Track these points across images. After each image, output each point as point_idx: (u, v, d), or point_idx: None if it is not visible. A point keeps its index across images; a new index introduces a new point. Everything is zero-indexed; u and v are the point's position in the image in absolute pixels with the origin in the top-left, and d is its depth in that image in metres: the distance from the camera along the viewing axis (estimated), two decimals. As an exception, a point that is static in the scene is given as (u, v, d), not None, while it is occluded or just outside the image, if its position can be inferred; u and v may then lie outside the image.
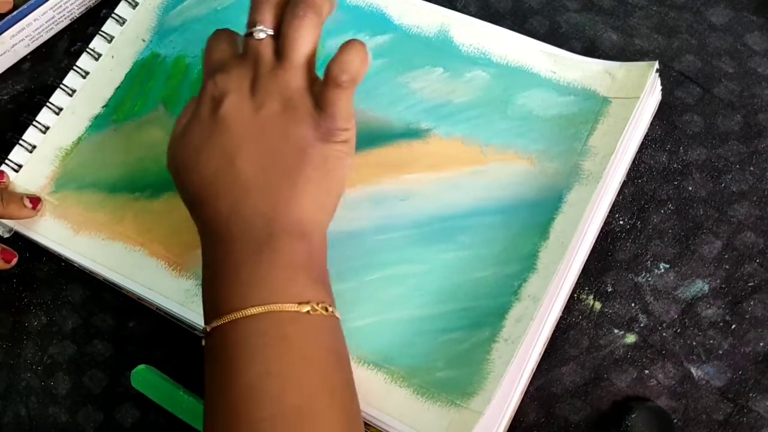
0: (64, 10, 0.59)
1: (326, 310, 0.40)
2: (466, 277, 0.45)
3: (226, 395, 0.38)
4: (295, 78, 0.43)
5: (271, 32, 0.44)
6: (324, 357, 0.40)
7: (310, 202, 0.42)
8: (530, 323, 0.42)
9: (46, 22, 0.58)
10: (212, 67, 0.45)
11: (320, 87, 0.42)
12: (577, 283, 0.47)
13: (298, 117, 0.42)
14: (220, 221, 0.42)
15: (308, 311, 0.39)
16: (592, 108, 0.48)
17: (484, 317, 0.44)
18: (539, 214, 0.46)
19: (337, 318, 0.41)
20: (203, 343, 0.41)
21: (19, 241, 0.53)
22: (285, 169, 0.42)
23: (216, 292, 0.41)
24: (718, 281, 0.47)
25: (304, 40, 0.43)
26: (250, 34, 0.44)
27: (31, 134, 0.55)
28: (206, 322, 0.41)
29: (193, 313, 0.47)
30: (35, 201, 0.52)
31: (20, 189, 0.54)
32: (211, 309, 0.41)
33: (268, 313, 0.39)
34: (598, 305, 0.47)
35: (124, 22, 0.57)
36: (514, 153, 0.48)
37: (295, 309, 0.39)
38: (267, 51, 0.43)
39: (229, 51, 0.45)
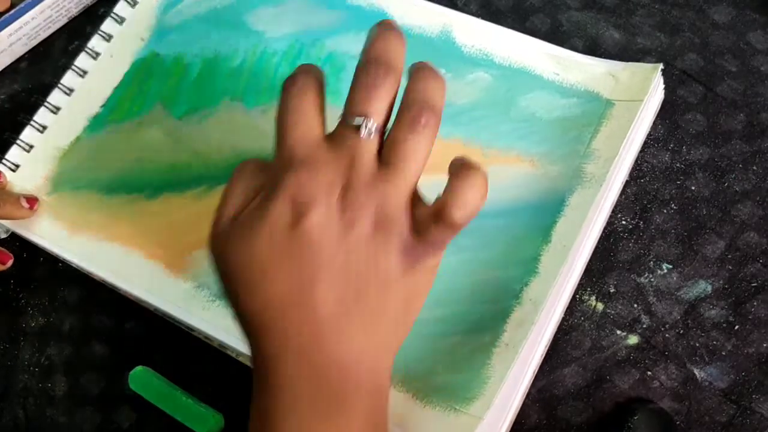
0: (61, 8, 0.58)
1: None
2: (466, 281, 0.45)
3: None
4: (398, 195, 0.34)
5: (378, 128, 0.35)
6: None
7: (387, 346, 0.35)
8: (531, 328, 0.42)
9: (43, 21, 0.58)
10: (294, 152, 0.35)
11: (425, 216, 0.34)
12: (579, 284, 0.47)
13: (391, 241, 0.34)
14: (284, 365, 0.34)
15: None
16: (595, 110, 0.47)
17: (485, 321, 0.44)
18: (541, 217, 0.45)
19: None
20: None
21: (17, 242, 0.53)
22: (366, 306, 0.34)
23: None
24: (721, 282, 0.47)
25: (420, 154, 0.35)
26: (351, 126, 0.35)
27: (28, 134, 0.55)
28: None
29: (191, 315, 0.47)
30: (32, 201, 0.52)
31: (17, 189, 0.54)
32: None
33: None
34: (600, 306, 0.47)
35: (122, 21, 0.57)
36: (517, 155, 0.48)
37: None
38: (370, 153, 0.35)
39: (317, 132, 0.36)
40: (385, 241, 0.34)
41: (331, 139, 0.36)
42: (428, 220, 0.34)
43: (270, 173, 0.35)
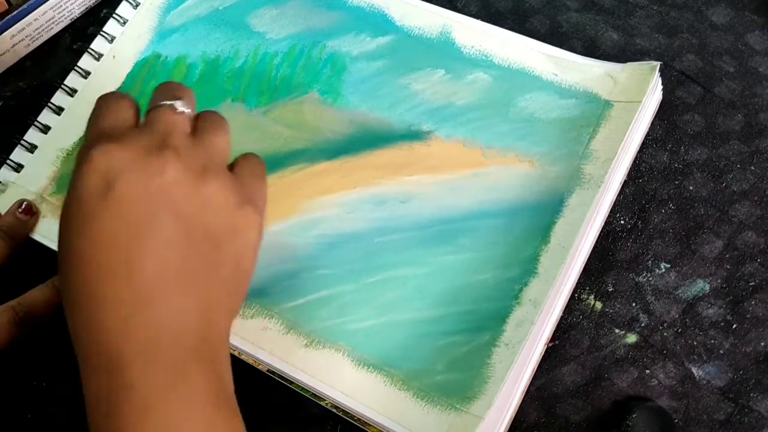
0: (64, 9, 0.59)
1: None
2: (466, 281, 0.45)
3: None
4: (213, 156, 0.37)
5: (190, 112, 0.39)
6: None
7: (221, 307, 0.35)
8: (531, 328, 0.42)
9: (46, 22, 0.58)
10: (103, 132, 0.37)
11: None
12: (577, 283, 0.47)
13: (210, 200, 0.35)
14: (114, 346, 0.32)
15: None
16: (593, 111, 0.48)
17: (485, 321, 0.44)
18: (540, 217, 0.46)
19: None
20: None
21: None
22: (192, 267, 0.34)
23: None
24: (719, 281, 0.47)
25: (224, 134, 0.39)
26: (166, 105, 0.38)
27: (32, 135, 0.55)
28: None
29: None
30: (27, 209, 0.52)
31: (21, 189, 0.54)
32: None
33: None
34: (598, 305, 0.47)
35: (125, 22, 0.57)
36: (516, 156, 0.48)
37: None
38: (184, 125, 0.38)
39: (130, 120, 0.38)
40: (203, 202, 0.35)
41: (145, 122, 0.38)
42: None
43: (81, 151, 0.36)
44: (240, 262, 0.37)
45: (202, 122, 0.39)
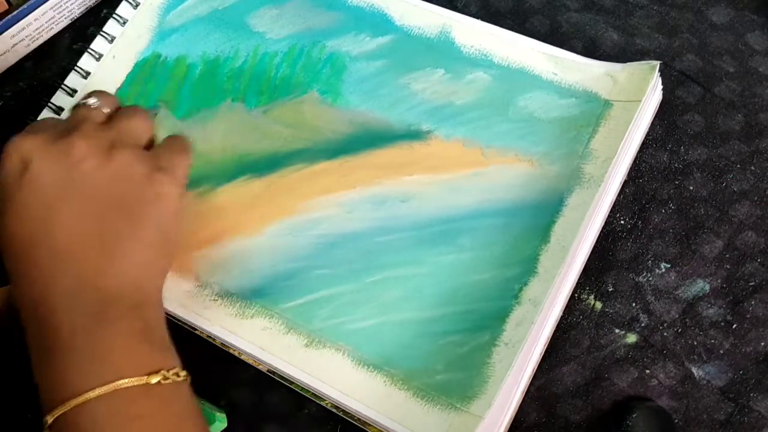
0: (64, 9, 0.59)
1: (177, 375, 0.37)
2: (466, 280, 0.45)
3: None
4: (123, 135, 0.42)
5: (106, 110, 0.43)
6: (183, 425, 0.37)
7: (148, 266, 0.40)
8: (531, 327, 0.42)
9: (46, 22, 0.58)
10: (25, 129, 0.42)
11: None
12: (577, 283, 0.47)
13: (122, 169, 0.40)
14: (40, 296, 0.38)
15: (159, 381, 0.36)
16: (593, 111, 0.48)
17: (485, 320, 0.44)
18: (540, 217, 0.46)
19: (188, 378, 0.38)
20: None
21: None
22: (112, 232, 0.39)
23: (51, 378, 0.36)
24: (719, 281, 0.47)
25: (139, 120, 0.43)
26: (82, 103, 0.43)
27: (32, 135, 0.55)
28: (45, 412, 0.36)
29: (193, 314, 0.47)
30: None
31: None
32: (48, 397, 0.36)
33: (115, 392, 0.35)
34: (598, 305, 0.47)
35: (125, 23, 0.57)
36: (515, 155, 0.48)
37: (144, 381, 0.36)
38: (97, 117, 0.43)
39: (50, 123, 0.43)
40: (112, 175, 0.40)
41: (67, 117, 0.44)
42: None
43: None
44: (160, 227, 0.40)
45: (117, 113, 0.44)
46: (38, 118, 0.55)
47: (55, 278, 0.38)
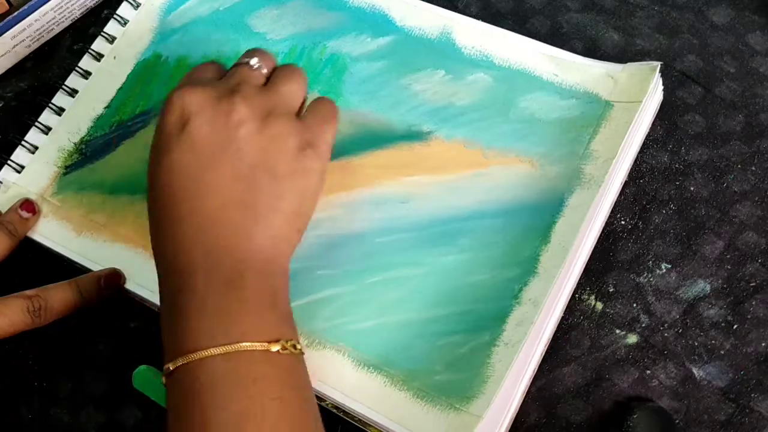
0: (64, 10, 0.59)
1: (294, 347, 0.38)
2: (466, 281, 0.45)
3: None
4: (283, 103, 0.42)
5: (265, 71, 0.44)
6: (295, 397, 0.38)
7: (283, 236, 0.41)
8: (530, 327, 0.42)
9: (47, 23, 0.58)
10: (186, 81, 0.43)
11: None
12: (578, 284, 0.47)
13: (278, 138, 0.41)
14: (182, 253, 0.39)
15: (278, 350, 0.37)
16: (594, 112, 0.48)
17: (484, 321, 0.44)
18: (540, 217, 0.46)
19: (303, 354, 0.40)
20: (163, 380, 0.38)
21: (22, 242, 0.53)
22: (259, 198, 0.40)
23: (180, 329, 0.38)
24: (719, 281, 0.47)
25: (297, 83, 0.43)
26: (243, 62, 0.44)
27: (33, 135, 0.55)
28: (167, 359, 0.38)
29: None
30: (29, 207, 0.52)
31: (22, 190, 0.54)
32: (173, 347, 0.38)
33: (238, 353, 0.37)
34: (599, 305, 0.47)
35: (125, 23, 0.57)
36: (516, 156, 0.48)
37: (266, 348, 0.37)
38: (257, 79, 0.43)
39: (211, 76, 0.44)
40: (266, 143, 0.40)
41: (225, 76, 0.44)
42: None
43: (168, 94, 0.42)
44: (301, 200, 0.41)
45: (275, 74, 0.44)
46: (38, 119, 0.55)
47: (199, 238, 0.39)
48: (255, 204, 0.40)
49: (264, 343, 0.37)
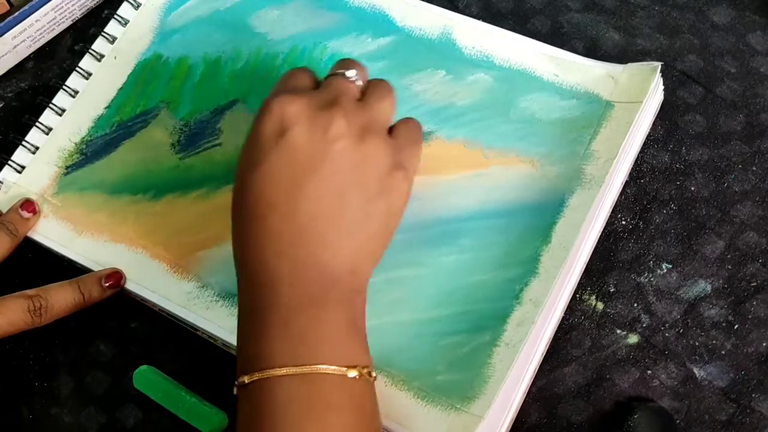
0: (65, 11, 0.59)
1: (369, 375, 0.38)
2: (467, 281, 0.45)
3: None
4: (377, 119, 0.41)
5: (361, 83, 0.43)
6: (365, 427, 0.37)
7: (368, 253, 0.40)
8: (531, 327, 0.42)
9: (47, 23, 0.58)
10: (285, 88, 0.42)
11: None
12: (579, 284, 0.47)
13: (372, 155, 0.40)
14: (269, 264, 0.39)
15: (355, 376, 0.37)
16: (594, 112, 0.48)
17: (485, 321, 0.44)
18: (541, 217, 0.46)
19: (375, 380, 0.39)
20: (235, 391, 0.38)
21: (22, 242, 0.53)
22: (350, 215, 0.39)
23: (260, 343, 0.38)
24: (720, 281, 0.47)
25: (389, 96, 0.43)
26: (340, 73, 0.43)
27: (33, 135, 0.55)
28: (243, 371, 0.38)
29: (195, 315, 0.47)
30: (30, 207, 0.52)
31: (23, 190, 0.54)
32: (251, 360, 0.38)
33: (315, 375, 0.36)
34: (600, 305, 0.47)
35: (126, 23, 0.57)
36: (516, 156, 0.48)
37: (343, 373, 0.37)
38: (353, 92, 0.42)
39: (307, 84, 0.43)
40: (361, 160, 0.39)
41: (321, 86, 0.43)
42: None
43: (264, 101, 0.41)
44: (387, 219, 0.41)
45: (370, 90, 0.43)
46: (39, 119, 0.55)
47: (286, 250, 0.38)
48: (343, 220, 0.39)
49: (342, 368, 0.37)
